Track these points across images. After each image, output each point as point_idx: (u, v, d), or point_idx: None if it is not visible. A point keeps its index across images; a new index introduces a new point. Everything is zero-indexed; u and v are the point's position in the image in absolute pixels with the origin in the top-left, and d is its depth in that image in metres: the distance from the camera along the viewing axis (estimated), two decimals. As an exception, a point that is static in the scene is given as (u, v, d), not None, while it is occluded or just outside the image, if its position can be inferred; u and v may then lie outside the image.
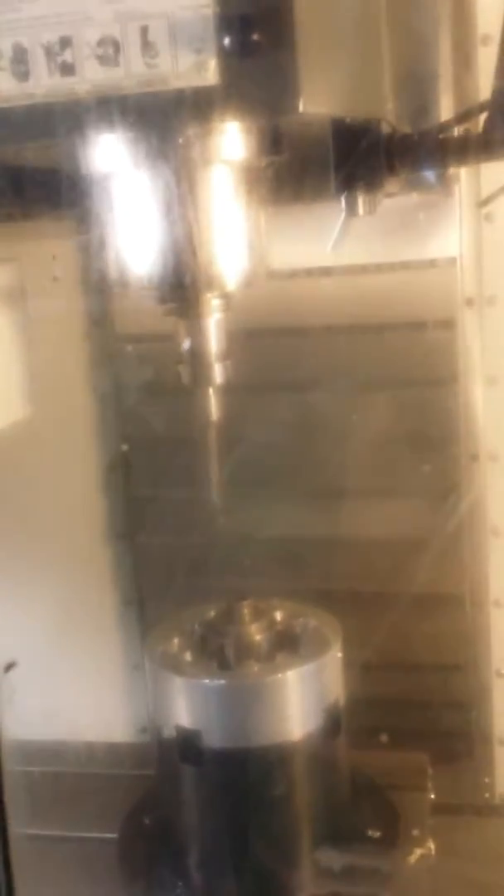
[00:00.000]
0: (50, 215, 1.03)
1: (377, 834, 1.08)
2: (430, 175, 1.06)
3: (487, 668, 1.28)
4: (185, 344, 0.96)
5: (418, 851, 1.08)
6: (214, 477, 1.05)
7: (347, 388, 1.23)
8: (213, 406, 1.00)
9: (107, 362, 1.32)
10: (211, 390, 0.99)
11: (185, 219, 0.88)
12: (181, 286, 0.91)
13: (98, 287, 1.25)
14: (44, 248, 1.26)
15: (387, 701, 1.25)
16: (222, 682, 1.02)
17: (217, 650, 1.06)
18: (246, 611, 1.09)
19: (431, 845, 1.09)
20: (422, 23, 1.02)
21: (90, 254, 1.16)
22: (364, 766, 1.16)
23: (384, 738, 1.22)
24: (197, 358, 0.96)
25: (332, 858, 1.01)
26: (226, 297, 0.94)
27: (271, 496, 1.26)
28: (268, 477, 1.26)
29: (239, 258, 0.91)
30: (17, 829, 1.21)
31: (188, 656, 1.08)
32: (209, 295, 0.93)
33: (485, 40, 1.07)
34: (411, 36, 1.00)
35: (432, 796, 1.18)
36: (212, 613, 1.12)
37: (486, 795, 1.29)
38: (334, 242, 1.01)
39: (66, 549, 1.37)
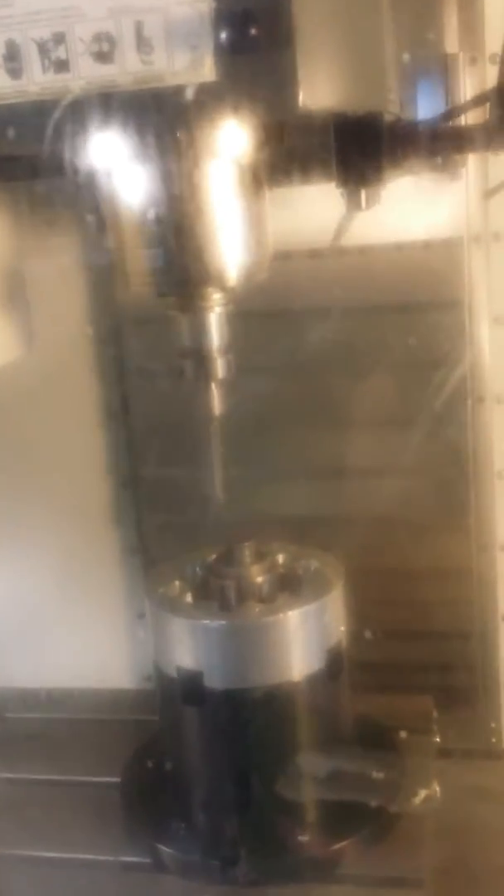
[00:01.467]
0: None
1: (381, 775, 1.08)
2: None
3: (494, 613, 1.27)
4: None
5: (423, 793, 1.07)
6: (218, 472, 1.04)
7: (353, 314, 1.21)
8: (217, 400, 0.99)
9: (106, 298, 1.29)
10: (213, 385, 0.98)
11: (185, 213, 0.87)
12: (182, 281, 0.90)
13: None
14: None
15: (391, 644, 1.24)
16: (223, 622, 1.02)
17: (218, 592, 1.05)
18: (247, 553, 1.08)
19: (437, 787, 1.08)
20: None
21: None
22: (369, 708, 1.16)
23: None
24: (199, 353, 0.95)
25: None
26: (228, 291, 0.93)
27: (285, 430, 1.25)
28: (280, 415, 1.24)
29: (240, 252, 0.90)
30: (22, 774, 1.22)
31: (189, 598, 1.07)
32: (210, 289, 0.92)
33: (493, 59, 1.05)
34: (414, 19, 0.97)
35: (437, 739, 1.18)
36: (213, 556, 1.11)
37: (493, 740, 1.29)
38: (336, 236, 0.99)
39: (69, 498, 1.36)
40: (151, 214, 0.87)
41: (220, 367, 0.96)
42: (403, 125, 0.90)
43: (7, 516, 1.36)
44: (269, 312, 1.14)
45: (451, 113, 0.97)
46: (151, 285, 0.91)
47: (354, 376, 1.22)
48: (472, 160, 1.11)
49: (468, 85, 1.07)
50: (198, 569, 1.10)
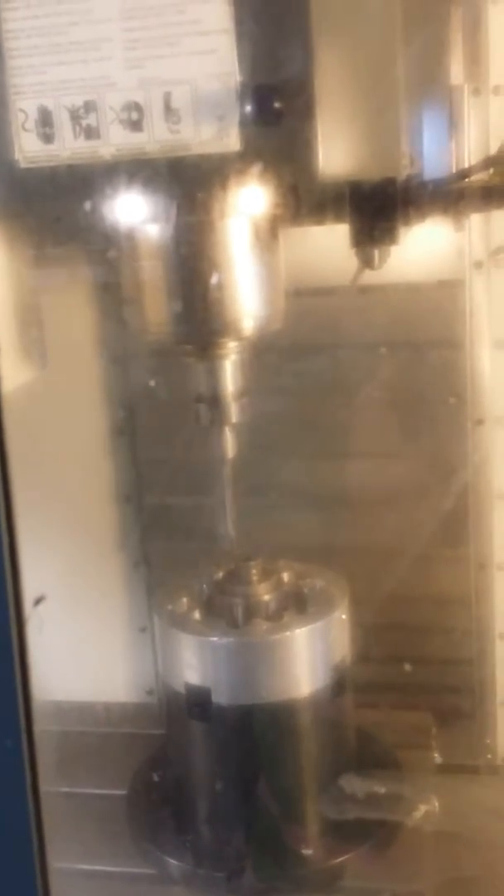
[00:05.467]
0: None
1: (382, 790, 1.10)
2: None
3: (490, 631, 1.29)
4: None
5: (423, 808, 1.09)
6: (230, 512, 1.07)
7: (353, 349, 1.23)
8: (229, 444, 1.02)
9: (116, 322, 1.31)
10: (227, 429, 1.01)
11: (204, 267, 0.90)
12: (200, 331, 0.93)
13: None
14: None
15: (389, 663, 1.26)
16: (231, 639, 1.04)
17: (226, 609, 1.07)
18: (254, 571, 1.10)
19: (436, 802, 1.11)
20: (436, 76, 1.04)
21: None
22: (369, 724, 1.18)
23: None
24: (214, 398, 0.99)
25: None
26: (243, 340, 0.96)
27: (279, 458, 1.27)
28: (279, 439, 1.26)
29: (256, 304, 0.94)
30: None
31: (197, 615, 1.09)
32: (226, 339, 0.95)
33: (497, 90, 1.10)
34: (426, 87, 1.01)
35: (436, 755, 1.20)
36: (220, 574, 1.13)
37: (488, 756, 1.31)
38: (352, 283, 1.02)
39: (73, 511, 1.38)
40: (171, 268, 0.90)
41: (233, 412, 0.99)
42: (415, 185, 0.93)
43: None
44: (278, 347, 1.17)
45: (459, 175, 1.00)
46: (169, 334, 0.95)
47: (358, 407, 1.25)
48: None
49: (471, 116, 1.10)
50: (205, 586, 1.12)
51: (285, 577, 1.12)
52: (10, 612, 0.63)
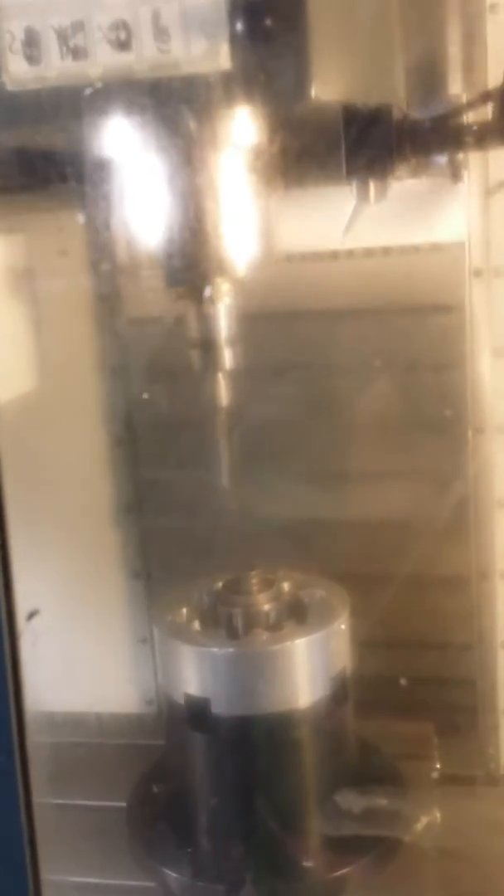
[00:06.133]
0: (59, 195, 1.03)
1: (383, 802, 1.09)
2: (439, 159, 1.05)
3: (493, 641, 1.29)
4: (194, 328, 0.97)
5: (424, 820, 1.09)
6: (225, 461, 1.06)
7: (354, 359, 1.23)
8: (223, 391, 1.01)
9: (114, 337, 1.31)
10: (221, 375, 0.99)
11: (196, 203, 0.88)
12: (191, 271, 0.91)
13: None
14: (51, 221, 1.26)
15: (392, 673, 1.25)
16: (231, 650, 1.03)
17: (225, 620, 1.07)
18: (254, 581, 1.10)
19: (437, 814, 1.10)
20: (431, 4, 1.01)
21: (98, 229, 1.17)
22: (370, 735, 1.17)
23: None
24: (207, 343, 0.97)
25: (352, 801, 1.03)
26: (236, 282, 0.94)
27: (278, 474, 1.26)
28: (274, 455, 1.26)
29: (249, 243, 0.92)
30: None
31: (197, 626, 1.09)
32: (219, 280, 0.93)
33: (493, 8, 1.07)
34: (421, 16, 0.99)
35: (438, 766, 1.20)
36: (219, 584, 1.12)
37: (491, 766, 1.30)
38: (346, 229, 1.01)
39: (73, 523, 1.37)
40: (160, 204, 0.88)
41: (227, 358, 0.98)
42: (411, 121, 0.91)
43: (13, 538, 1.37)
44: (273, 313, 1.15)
45: (456, 110, 0.99)
46: (161, 277, 0.93)
47: (355, 396, 1.24)
48: (472, 176, 1.13)
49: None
50: (205, 596, 1.11)
51: (285, 586, 1.12)
52: (3, 628, 0.63)
